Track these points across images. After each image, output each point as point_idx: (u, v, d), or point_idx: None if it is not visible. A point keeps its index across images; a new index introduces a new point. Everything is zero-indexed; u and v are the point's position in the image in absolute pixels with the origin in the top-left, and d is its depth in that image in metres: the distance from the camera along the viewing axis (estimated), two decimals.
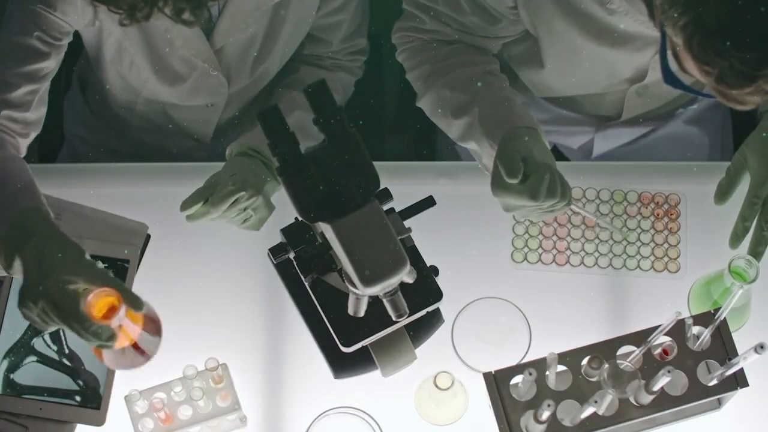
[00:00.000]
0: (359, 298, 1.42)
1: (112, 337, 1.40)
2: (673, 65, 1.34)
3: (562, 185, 1.53)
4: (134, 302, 1.42)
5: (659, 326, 1.45)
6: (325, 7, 1.78)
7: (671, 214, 1.80)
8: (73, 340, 1.72)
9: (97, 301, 1.39)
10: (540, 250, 1.78)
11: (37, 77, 1.64)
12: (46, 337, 1.71)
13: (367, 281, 1.32)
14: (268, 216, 1.69)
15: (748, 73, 1.24)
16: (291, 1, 1.73)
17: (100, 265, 1.44)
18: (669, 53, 1.33)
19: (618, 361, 1.50)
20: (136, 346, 1.47)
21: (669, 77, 1.37)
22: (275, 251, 1.49)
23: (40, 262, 1.42)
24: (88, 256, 1.44)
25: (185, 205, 1.61)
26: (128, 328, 1.43)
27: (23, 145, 1.67)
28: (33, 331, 1.71)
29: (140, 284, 1.75)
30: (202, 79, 1.79)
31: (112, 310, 1.40)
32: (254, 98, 1.94)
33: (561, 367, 1.51)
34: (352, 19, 1.84)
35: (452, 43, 1.73)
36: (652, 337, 1.47)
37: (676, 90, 1.87)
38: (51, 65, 1.66)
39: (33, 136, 1.69)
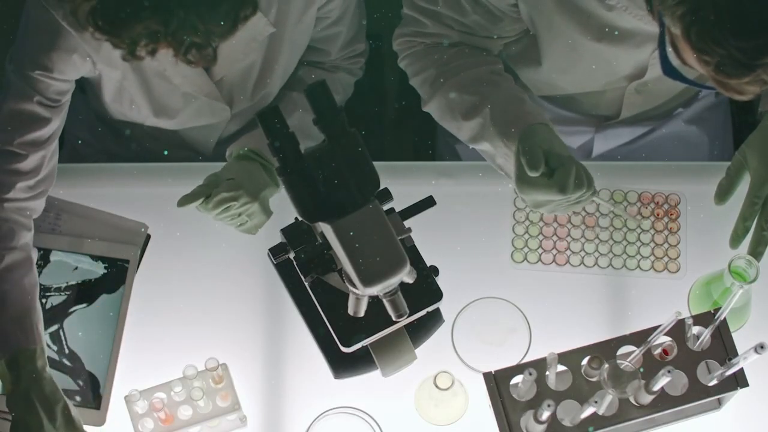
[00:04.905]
0: (359, 298, 1.42)
1: None
2: (674, 61, 1.34)
3: (587, 175, 1.56)
4: None
5: (659, 326, 1.45)
6: (322, 23, 1.76)
7: (671, 214, 1.80)
8: (73, 340, 1.72)
9: None
10: (540, 250, 1.78)
11: (42, 142, 1.66)
12: (47, 337, 1.71)
13: (367, 281, 1.32)
14: (265, 221, 1.69)
15: (747, 62, 1.24)
16: (286, 27, 1.71)
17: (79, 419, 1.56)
18: (668, 46, 1.33)
19: (618, 361, 1.49)
20: None
21: (668, 68, 1.37)
22: (275, 251, 1.49)
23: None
24: (73, 411, 1.56)
25: (182, 201, 1.62)
26: None
27: (39, 207, 1.70)
28: None
29: (140, 284, 1.75)
30: (203, 106, 1.79)
31: None
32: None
33: (561, 367, 1.51)
34: (349, 29, 1.81)
35: (455, 45, 1.73)
36: (652, 337, 1.47)
37: (675, 88, 1.87)
38: (54, 126, 1.67)
39: (48, 190, 1.72)
